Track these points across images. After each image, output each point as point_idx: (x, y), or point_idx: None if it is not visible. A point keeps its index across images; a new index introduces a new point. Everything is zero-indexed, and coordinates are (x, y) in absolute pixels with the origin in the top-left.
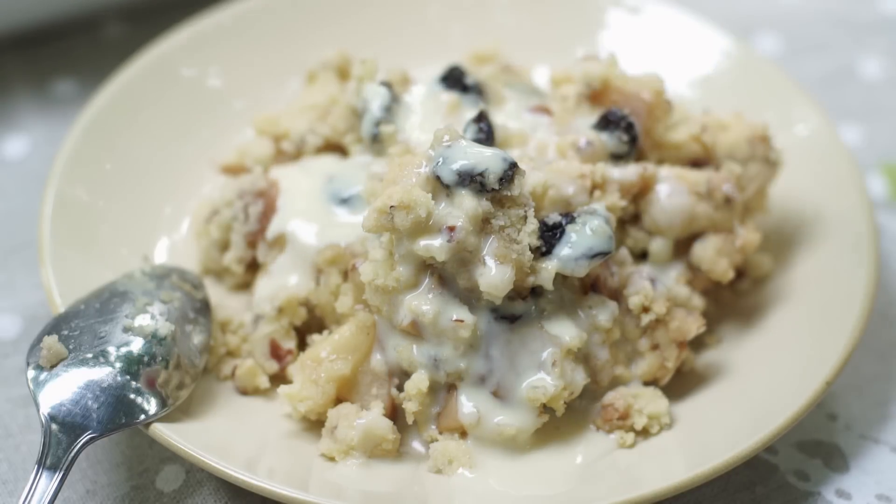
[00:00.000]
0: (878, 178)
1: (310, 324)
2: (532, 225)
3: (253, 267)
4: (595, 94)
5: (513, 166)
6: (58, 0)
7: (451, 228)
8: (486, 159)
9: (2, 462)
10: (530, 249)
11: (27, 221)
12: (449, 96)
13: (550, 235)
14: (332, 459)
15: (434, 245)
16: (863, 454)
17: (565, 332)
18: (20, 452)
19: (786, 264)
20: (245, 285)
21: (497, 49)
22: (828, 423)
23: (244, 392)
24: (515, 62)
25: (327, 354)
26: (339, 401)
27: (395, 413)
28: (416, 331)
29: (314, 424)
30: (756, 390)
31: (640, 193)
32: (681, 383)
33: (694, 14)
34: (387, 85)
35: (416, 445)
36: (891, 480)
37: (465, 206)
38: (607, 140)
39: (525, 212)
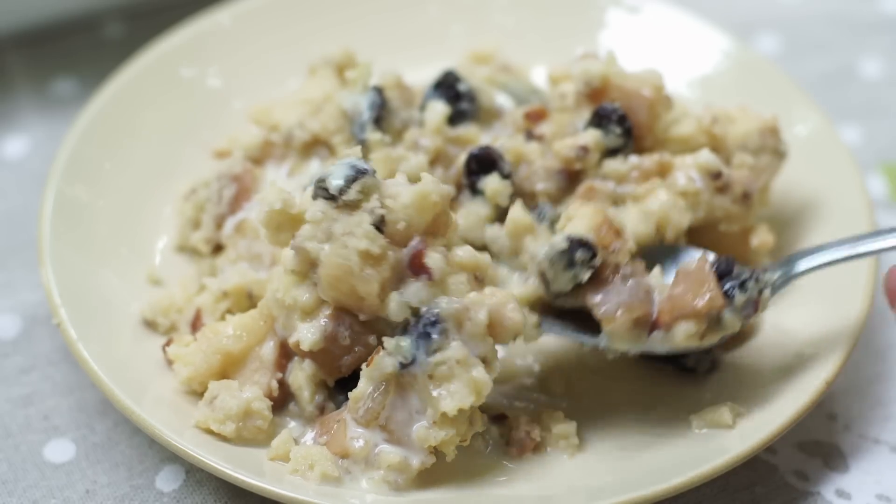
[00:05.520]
0: (878, 178)
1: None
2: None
3: (220, 249)
4: (594, 93)
5: (361, 173)
6: (58, 0)
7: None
8: (335, 168)
9: (2, 462)
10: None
11: (27, 221)
12: (442, 107)
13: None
14: (206, 430)
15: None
16: (863, 454)
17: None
18: (20, 452)
19: None
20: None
21: (496, 49)
22: (828, 423)
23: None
24: (515, 62)
25: (226, 329)
26: (223, 378)
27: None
28: (301, 353)
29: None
30: (756, 391)
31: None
32: (681, 383)
33: (694, 14)
34: (379, 90)
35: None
36: (891, 480)
37: (313, 210)
38: (602, 136)
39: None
